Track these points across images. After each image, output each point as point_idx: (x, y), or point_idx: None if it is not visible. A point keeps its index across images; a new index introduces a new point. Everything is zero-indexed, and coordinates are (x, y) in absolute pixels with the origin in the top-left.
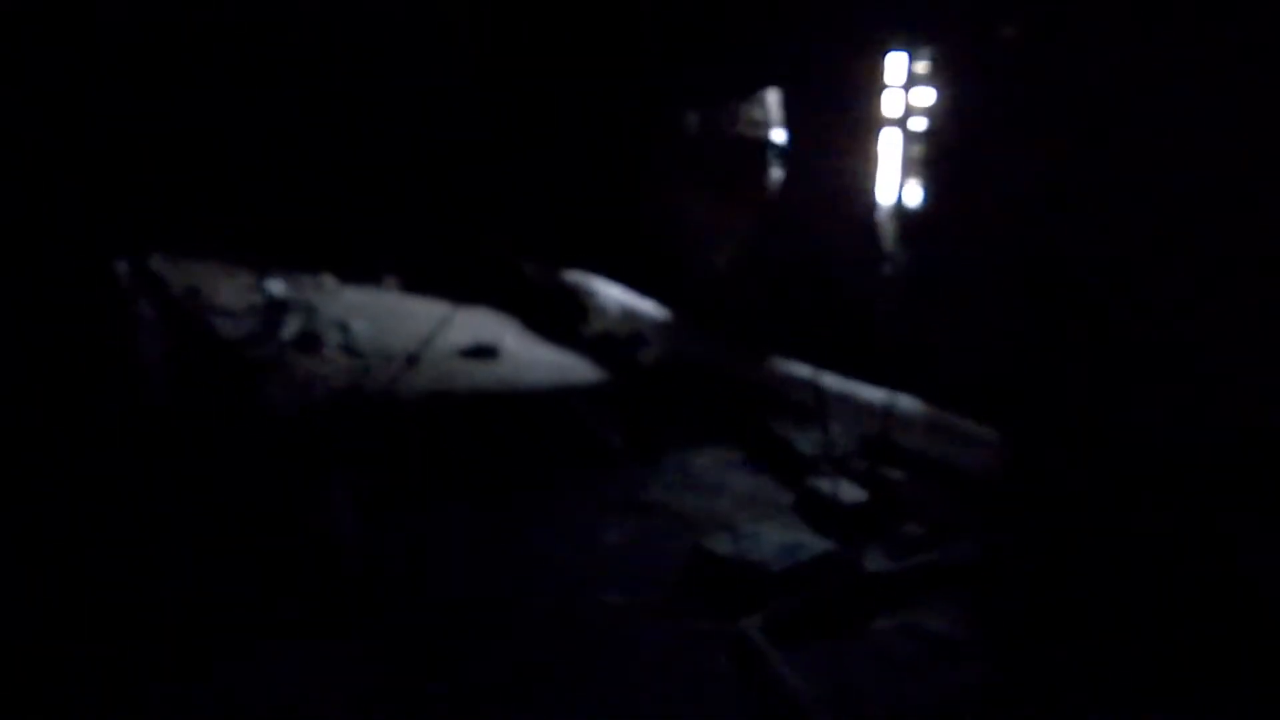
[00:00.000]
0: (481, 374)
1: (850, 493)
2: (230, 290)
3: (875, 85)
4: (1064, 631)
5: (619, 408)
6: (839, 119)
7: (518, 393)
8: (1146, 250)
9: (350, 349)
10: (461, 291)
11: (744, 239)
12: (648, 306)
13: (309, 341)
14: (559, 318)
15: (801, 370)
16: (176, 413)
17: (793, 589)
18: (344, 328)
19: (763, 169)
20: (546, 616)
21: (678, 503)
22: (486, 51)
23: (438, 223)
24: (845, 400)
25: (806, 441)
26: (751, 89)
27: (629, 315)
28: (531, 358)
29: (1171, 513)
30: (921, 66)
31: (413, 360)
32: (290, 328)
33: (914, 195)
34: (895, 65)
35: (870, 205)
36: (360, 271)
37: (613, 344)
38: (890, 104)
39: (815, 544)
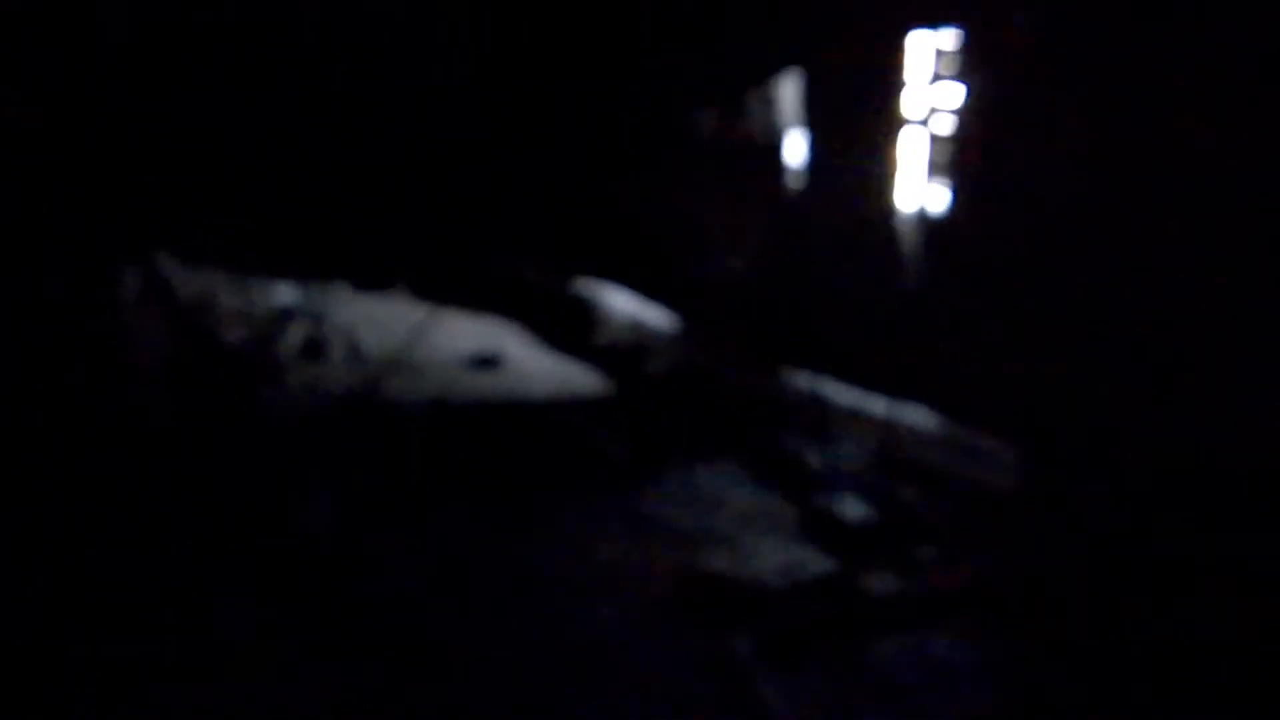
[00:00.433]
0: (484, 384)
1: (857, 510)
2: (242, 297)
3: (897, 78)
4: (1078, 658)
5: (622, 419)
6: (859, 116)
7: (520, 403)
8: (1179, 261)
9: (354, 356)
10: (471, 300)
11: (757, 246)
12: (656, 315)
13: (313, 348)
14: (566, 327)
15: (814, 383)
16: (167, 415)
17: (789, 609)
18: (349, 335)
19: (778, 174)
20: (531, 629)
21: (676, 517)
22: (488, 52)
23: (448, 231)
24: (860, 414)
25: (817, 456)
26: (765, 74)
27: (636, 325)
28: (537, 368)
29: (1196, 533)
30: (946, 63)
31: (395, 367)
32: (295, 335)
33: (937, 201)
34: (918, 59)
35: (891, 211)
36: (371, 280)
37: (619, 354)
38: (913, 102)
39: (817, 563)
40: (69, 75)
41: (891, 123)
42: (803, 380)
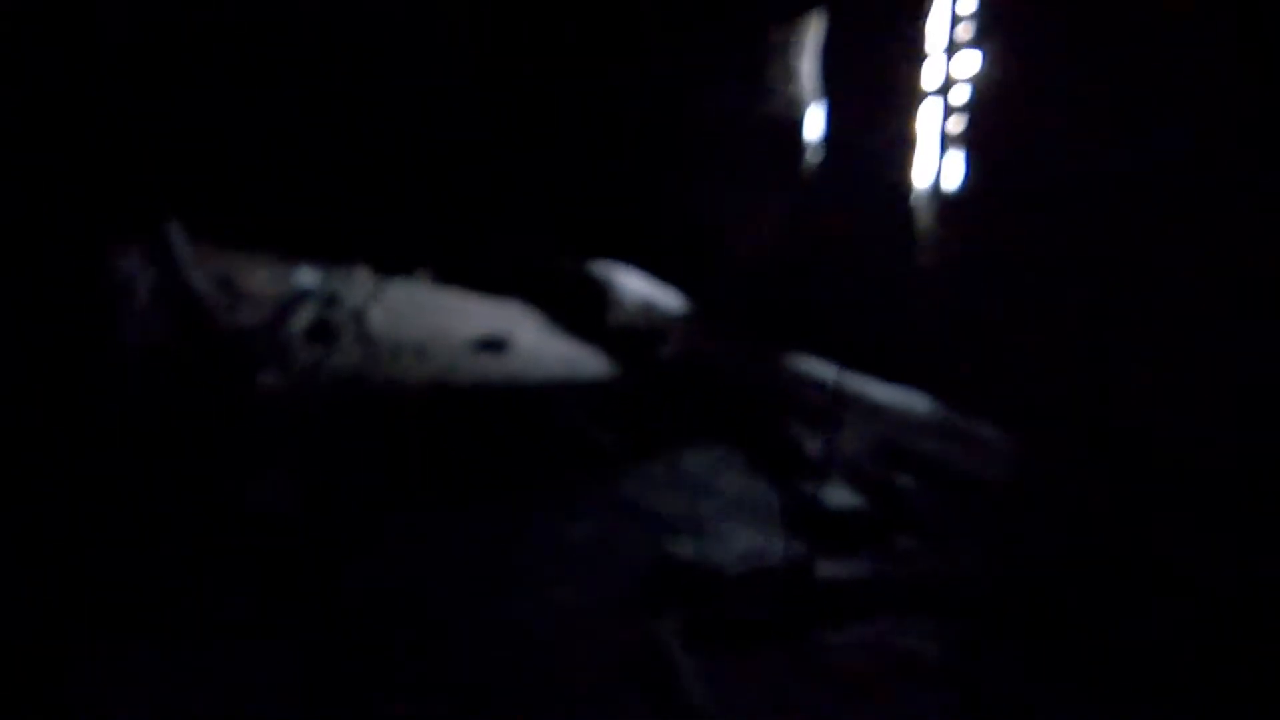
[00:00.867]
0: (488, 367)
1: (841, 498)
2: (263, 279)
3: (916, 47)
4: (1053, 656)
5: (619, 404)
6: (878, 83)
7: (517, 386)
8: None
9: (363, 339)
10: (493, 283)
11: (775, 227)
12: (670, 299)
13: (322, 331)
14: (580, 310)
15: (821, 369)
16: (159, 399)
17: (749, 596)
18: (361, 318)
19: (798, 152)
20: (485, 611)
21: (660, 503)
22: (501, 31)
23: (471, 214)
24: (865, 401)
25: (816, 443)
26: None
27: (649, 308)
28: (545, 351)
29: (1186, 531)
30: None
31: (401, 349)
32: (303, 317)
33: (952, 176)
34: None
35: (906, 187)
36: (395, 263)
37: (630, 338)
38: (931, 72)
39: (791, 551)
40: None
41: (908, 94)
42: (808, 366)
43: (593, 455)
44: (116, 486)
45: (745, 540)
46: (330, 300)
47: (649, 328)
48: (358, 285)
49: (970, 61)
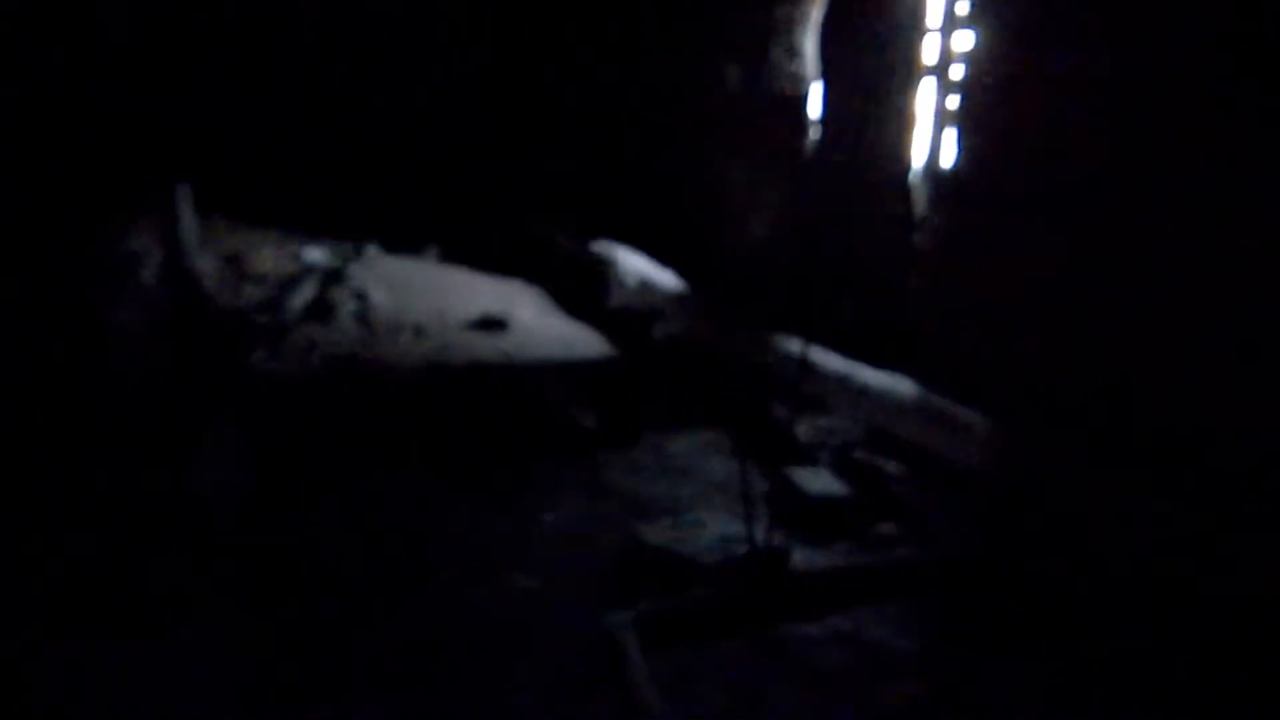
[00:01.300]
0: (484, 346)
1: (823, 484)
2: (272, 258)
3: (915, 21)
4: (1027, 646)
5: (610, 385)
6: (876, 61)
7: (511, 367)
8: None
9: (363, 318)
10: (498, 263)
11: (775, 207)
12: (668, 279)
13: (322, 310)
14: (581, 290)
15: (812, 353)
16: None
17: (720, 586)
18: (362, 297)
19: (800, 131)
20: (444, 595)
21: (639, 487)
22: (505, 10)
23: (478, 195)
24: (857, 385)
25: (809, 428)
26: None
27: (647, 288)
28: (543, 331)
29: (1172, 528)
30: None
31: (398, 328)
32: (303, 296)
33: (948, 155)
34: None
35: (904, 166)
36: (404, 242)
37: (627, 319)
38: (929, 48)
39: (761, 538)
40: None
41: (910, 67)
42: (801, 350)
43: (577, 437)
44: (61, 473)
45: (722, 527)
46: (333, 278)
47: (646, 308)
48: (364, 264)
49: (966, 39)
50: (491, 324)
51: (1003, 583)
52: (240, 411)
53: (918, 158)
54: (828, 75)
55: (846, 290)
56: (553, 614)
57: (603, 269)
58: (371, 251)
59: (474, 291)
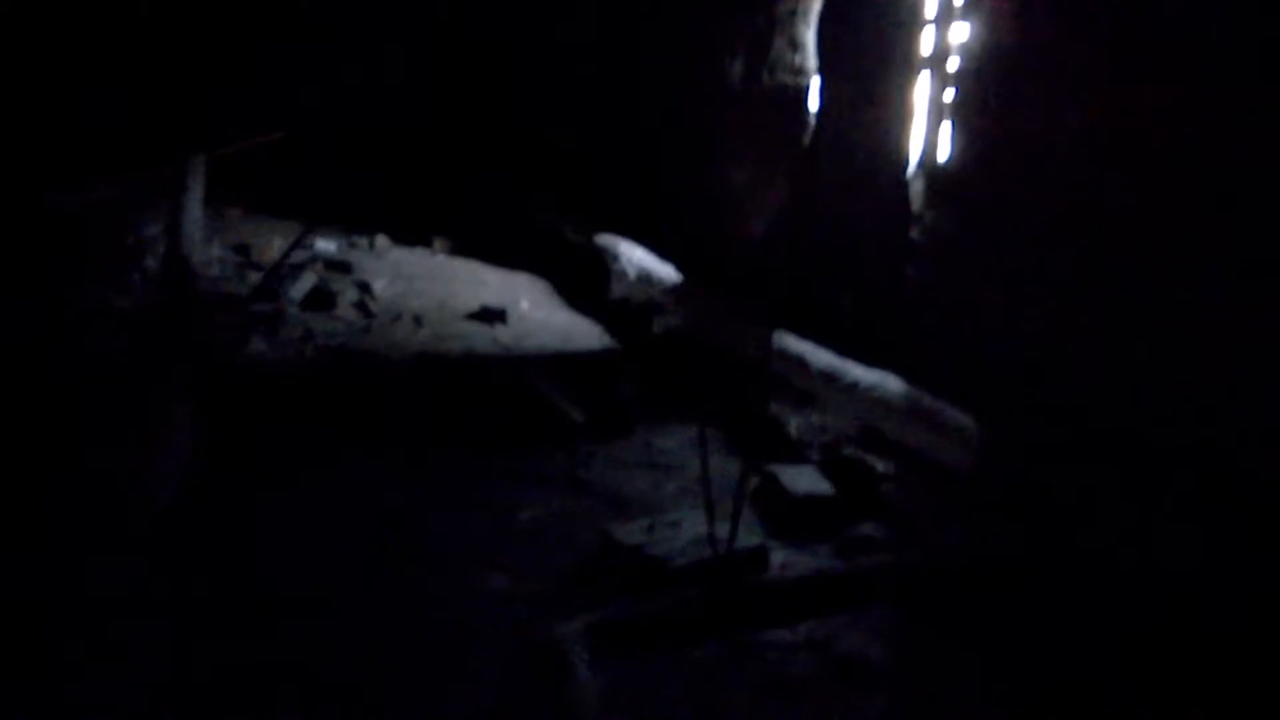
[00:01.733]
0: (480, 337)
1: (808, 483)
2: (280, 248)
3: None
4: (1005, 657)
5: (604, 378)
6: (874, 54)
7: (506, 358)
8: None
9: (363, 307)
10: (507, 255)
11: (775, 201)
12: (668, 272)
13: (321, 299)
14: (584, 282)
15: (808, 349)
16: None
17: (689, 590)
18: (364, 287)
19: (801, 124)
20: (406, 594)
21: (622, 483)
22: None
23: (488, 186)
24: (851, 383)
25: (803, 426)
26: None
27: (648, 281)
28: (542, 323)
29: (1158, 530)
30: None
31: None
32: (302, 285)
33: (944, 149)
34: None
35: (901, 160)
36: (415, 234)
37: (627, 311)
38: (927, 42)
39: (738, 539)
40: None
41: (904, 64)
42: (797, 346)
43: (564, 430)
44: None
45: (701, 526)
46: (338, 268)
47: (646, 301)
48: (373, 255)
49: (962, 31)
50: (492, 315)
51: (985, 589)
52: (207, 400)
53: (914, 152)
54: (825, 69)
55: (844, 286)
56: (511, 617)
57: (605, 261)
58: (382, 243)
59: (481, 283)
